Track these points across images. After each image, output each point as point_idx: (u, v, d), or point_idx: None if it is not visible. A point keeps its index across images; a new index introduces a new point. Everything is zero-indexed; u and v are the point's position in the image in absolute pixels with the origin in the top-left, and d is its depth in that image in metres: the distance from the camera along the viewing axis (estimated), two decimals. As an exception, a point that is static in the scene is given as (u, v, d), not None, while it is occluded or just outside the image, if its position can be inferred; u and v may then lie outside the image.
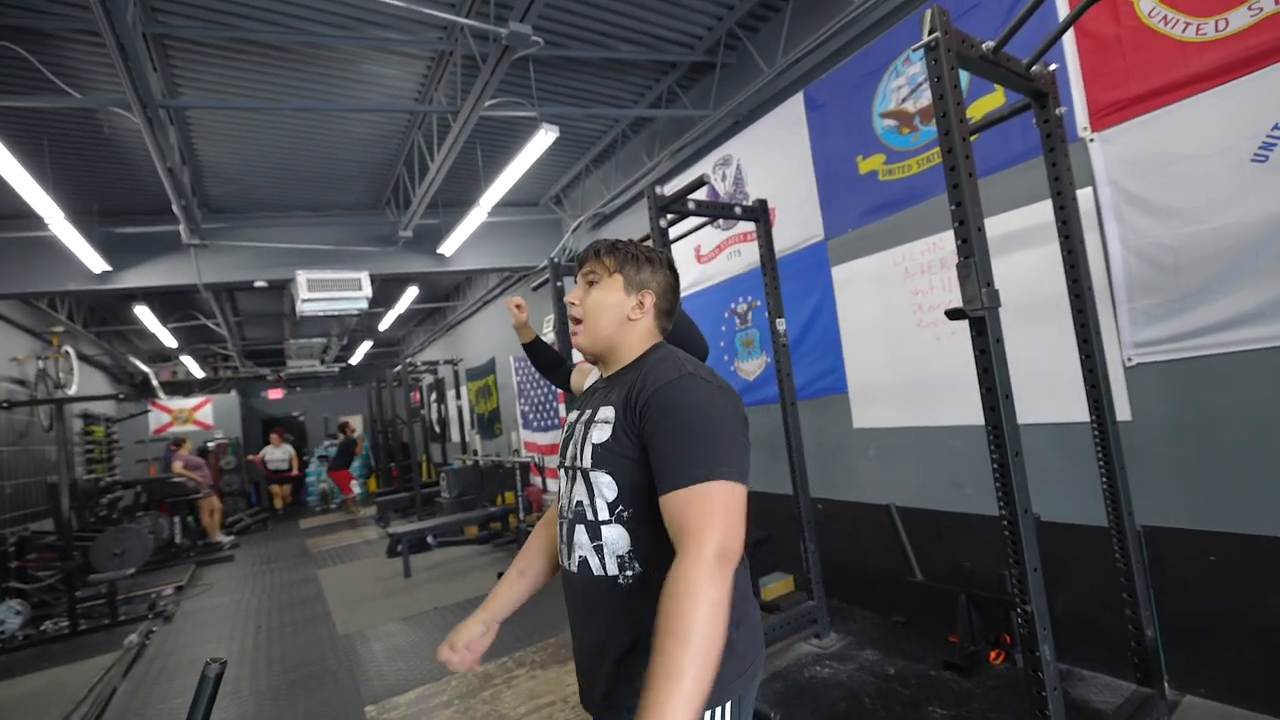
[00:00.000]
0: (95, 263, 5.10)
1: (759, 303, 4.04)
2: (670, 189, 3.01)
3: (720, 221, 4.18)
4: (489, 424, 9.13)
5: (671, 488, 0.88)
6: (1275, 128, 1.97)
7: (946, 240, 2.92)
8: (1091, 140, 2.39)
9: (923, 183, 3.03)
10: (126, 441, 9.91)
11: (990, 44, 1.82)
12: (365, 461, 11.60)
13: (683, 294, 4.67)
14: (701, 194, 2.96)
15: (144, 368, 11.04)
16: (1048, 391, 2.54)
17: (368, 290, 5.62)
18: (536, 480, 6.55)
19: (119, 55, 2.82)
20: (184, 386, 12.42)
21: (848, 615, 3.45)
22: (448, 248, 6.05)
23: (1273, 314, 2.00)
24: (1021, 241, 2.61)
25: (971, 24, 2.68)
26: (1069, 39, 2.41)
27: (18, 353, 7.02)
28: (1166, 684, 2.14)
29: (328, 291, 5.51)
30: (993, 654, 2.69)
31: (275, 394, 14.40)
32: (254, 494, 11.09)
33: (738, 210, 3.14)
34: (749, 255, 4.09)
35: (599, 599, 0.99)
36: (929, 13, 1.67)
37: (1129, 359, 2.34)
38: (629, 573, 0.96)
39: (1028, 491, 1.65)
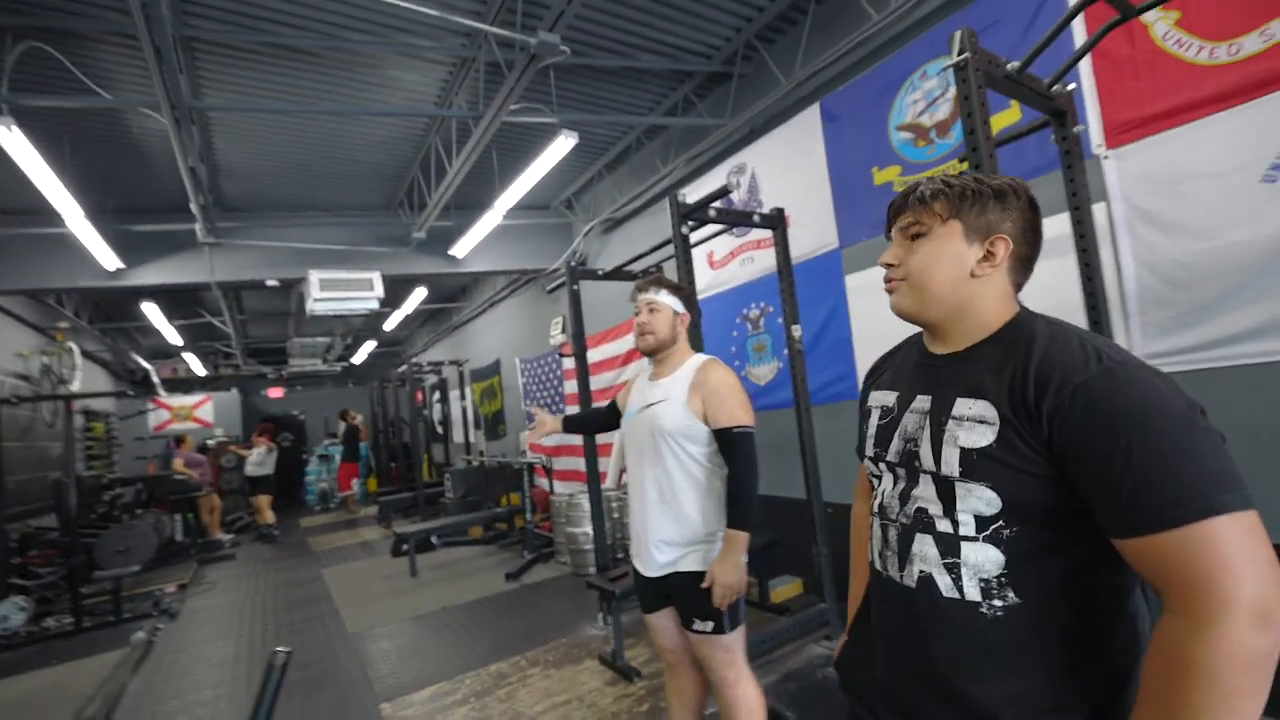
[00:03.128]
0: (109, 260, 5.13)
1: (771, 308, 4.10)
2: (685, 195, 3.07)
3: (735, 228, 4.25)
4: (493, 425, 9.16)
5: (1147, 529, 0.67)
6: (1285, 149, 2.05)
7: (961, 251, 2.99)
8: (1106, 157, 2.47)
9: (937, 195, 3.10)
10: (125, 438, 9.94)
11: (1015, 64, 1.89)
12: (365, 460, 11.36)
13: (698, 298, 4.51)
14: (718, 202, 3.03)
15: (145, 364, 11.01)
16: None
17: (379, 290, 5.67)
18: (543, 482, 6.57)
19: (154, 58, 2.87)
20: (185, 384, 12.39)
21: (857, 618, 3.50)
22: (460, 250, 6.10)
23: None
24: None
25: (988, 42, 2.75)
26: (1086, 60, 2.49)
27: (22, 348, 7.03)
28: None
29: (339, 291, 5.55)
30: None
31: (275, 392, 14.38)
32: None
33: (756, 218, 3.21)
34: (762, 261, 4.15)
35: (944, 625, 0.82)
36: (960, 33, 1.73)
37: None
38: (997, 602, 0.78)
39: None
